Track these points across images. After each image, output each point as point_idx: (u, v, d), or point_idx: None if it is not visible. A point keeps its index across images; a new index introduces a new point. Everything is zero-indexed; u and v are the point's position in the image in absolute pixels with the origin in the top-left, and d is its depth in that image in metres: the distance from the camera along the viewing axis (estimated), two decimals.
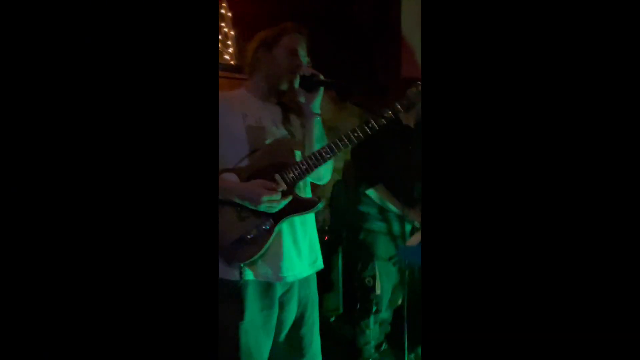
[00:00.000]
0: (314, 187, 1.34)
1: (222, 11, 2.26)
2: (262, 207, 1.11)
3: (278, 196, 1.11)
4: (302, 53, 1.23)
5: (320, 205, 1.16)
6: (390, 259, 1.94)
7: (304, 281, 1.25)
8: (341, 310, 2.52)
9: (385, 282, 1.91)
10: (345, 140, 1.14)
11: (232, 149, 1.16)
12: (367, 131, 1.15)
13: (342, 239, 2.54)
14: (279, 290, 1.19)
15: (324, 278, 2.70)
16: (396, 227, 1.94)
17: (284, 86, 1.23)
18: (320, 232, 2.60)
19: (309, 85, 1.18)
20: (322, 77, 1.18)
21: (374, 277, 1.90)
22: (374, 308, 1.90)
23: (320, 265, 1.30)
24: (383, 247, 1.92)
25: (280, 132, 1.22)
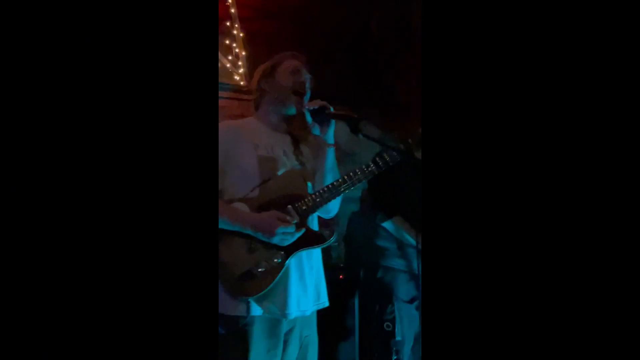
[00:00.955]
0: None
1: (234, 32, 2.49)
2: (275, 240, 1.18)
3: (292, 228, 1.19)
4: (304, 71, 1.37)
5: (332, 239, 1.24)
6: (412, 300, 1.98)
7: (307, 320, 1.30)
8: None
9: (406, 327, 1.90)
10: (359, 174, 1.24)
11: (243, 179, 1.27)
12: (380, 165, 1.26)
13: (359, 278, 2.57)
14: (284, 329, 1.24)
15: (338, 324, 2.68)
16: (417, 264, 2.00)
17: (291, 109, 1.34)
18: (335, 269, 2.63)
19: (320, 118, 1.30)
20: (332, 109, 1.29)
21: (393, 321, 1.93)
22: (394, 357, 1.92)
23: (325, 302, 1.35)
24: (403, 287, 1.91)
25: (292, 162, 1.33)
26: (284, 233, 1.19)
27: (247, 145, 1.31)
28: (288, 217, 1.21)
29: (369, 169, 1.26)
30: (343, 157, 2.84)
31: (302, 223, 1.23)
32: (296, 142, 1.40)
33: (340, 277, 2.54)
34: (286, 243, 1.20)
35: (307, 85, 1.36)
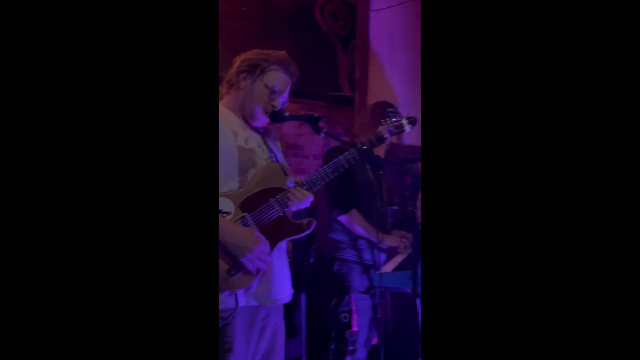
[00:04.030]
0: None
1: None
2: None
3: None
4: (284, 94, 1.45)
5: (312, 229, 1.41)
6: (366, 291, 2.15)
7: (276, 309, 1.46)
8: (304, 359, 2.65)
9: (362, 317, 2.08)
10: (333, 169, 1.43)
11: (224, 167, 1.34)
12: (350, 161, 1.46)
13: (306, 274, 2.70)
14: (259, 321, 1.39)
15: (285, 321, 2.78)
16: (369, 256, 2.17)
17: (257, 123, 1.46)
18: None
19: (279, 119, 1.45)
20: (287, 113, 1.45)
21: (350, 313, 2.09)
22: (350, 347, 2.09)
23: (292, 291, 1.52)
24: (358, 279, 2.11)
25: (265, 155, 1.45)
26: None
27: (226, 133, 1.38)
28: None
29: (345, 161, 1.45)
30: (288, 149, 2.95)
31: (284, 215, 1.38)
32: (262, 135, 1.52)
33: None
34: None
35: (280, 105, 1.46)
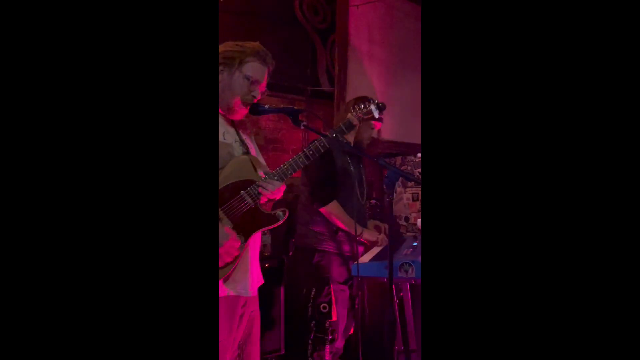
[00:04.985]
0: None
1: None
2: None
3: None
4: (262, 83, 1.49)
5: (286, 217, 1.46)
6: (345, 282, 2.23)
7: (252, 298, 1.52)
8: (282, 351, 2.71)
9: (340, 307, 2.15)
10: (303, 158, 1.48)
11: None
12: (319, 149, 1.51)
13: (285, 267, 2.76)
14: (239, 309, 1.45)
15: (262, 314, 2.83)
16: (348, 247, 2.24)
17: (234, 114, 1.50)
18: (260, 259, 2.76)
19: (258, 112, 1.50)
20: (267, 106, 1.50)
21: (329, 303, 2.15)
22: (330, 336, 2.15)
23: (262, 280, 1.59)
24: (338, 269, 2.18)
25: (241, 148, 1.51)
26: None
27: None
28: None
29: (310, 152, 1.50)
30: (267, 143, 2.99)
31: (255, 206, 1.42)
32: (237, 128, 1.56)
33: (267, 265, 2.70)
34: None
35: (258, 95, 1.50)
